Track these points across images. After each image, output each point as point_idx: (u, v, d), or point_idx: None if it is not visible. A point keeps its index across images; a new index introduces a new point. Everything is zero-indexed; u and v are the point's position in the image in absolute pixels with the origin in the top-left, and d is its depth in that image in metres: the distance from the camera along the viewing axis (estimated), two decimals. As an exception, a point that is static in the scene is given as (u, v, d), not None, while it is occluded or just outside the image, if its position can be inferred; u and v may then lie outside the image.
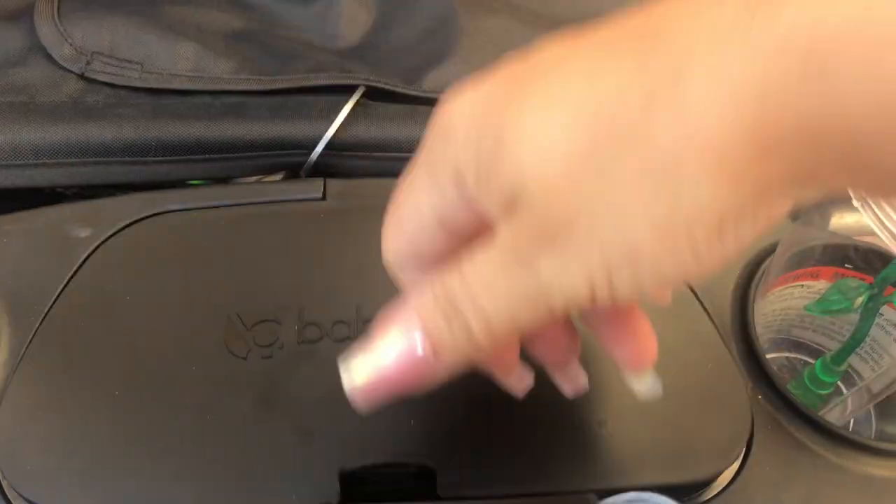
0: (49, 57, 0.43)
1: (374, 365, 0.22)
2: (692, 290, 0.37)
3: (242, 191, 0.39)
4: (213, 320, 0.34)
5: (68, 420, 0.31)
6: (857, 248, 0.36)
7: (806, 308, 0.36)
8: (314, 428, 0.31)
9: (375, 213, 0.37)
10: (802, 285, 0.39)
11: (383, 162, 0.42)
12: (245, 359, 0.33)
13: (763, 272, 0.37)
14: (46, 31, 0.43)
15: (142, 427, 0.31)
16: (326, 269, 0.36)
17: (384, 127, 0.42)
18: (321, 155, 0.41)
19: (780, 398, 0.34)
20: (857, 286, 0.34)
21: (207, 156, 0.41)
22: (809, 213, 0.37)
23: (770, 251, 0.37)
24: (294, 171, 0.42)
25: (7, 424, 0.31)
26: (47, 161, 0.40)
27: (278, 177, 0.44)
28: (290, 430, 0.31)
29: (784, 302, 0.40)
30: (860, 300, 0.33)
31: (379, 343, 0.22)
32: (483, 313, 0.20)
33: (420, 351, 0.21)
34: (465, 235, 0.21)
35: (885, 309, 0.36)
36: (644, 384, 0.25)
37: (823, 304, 0.34)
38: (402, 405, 0.27)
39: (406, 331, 0.22)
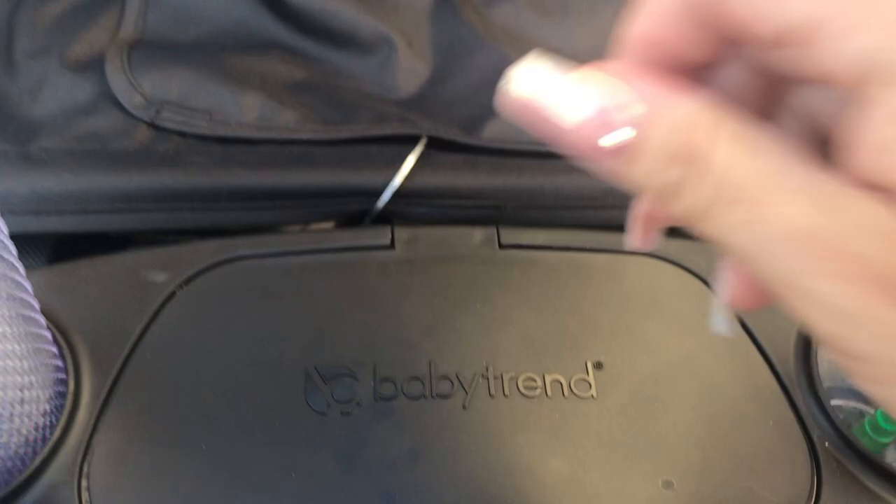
0: (120, 106, 0.44)
1: (547, 97, 0.17)
2: (753, 339, 0.38)
3: (312, 238, 0.40)
4: (292, 373, 0.34)
5: (157, 470, 0.32)
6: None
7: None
8: (396, 489, 0.31)
9: (443, 264, 0.38)
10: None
11: (445, 210, 0.43)
12: (325, 415, 0.33)
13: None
14: (117, 81, 0.45)
15: (228, 481, 0.31)
16: (398, 321, 0.37)
17: (446, 176, 0.43)
18: (386, 204, 0.42)
19: (846, 445, 0.34)
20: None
21: (276, 202, 0.42)
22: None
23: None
24: (357, 217, 0.43)
25: (100, 470, 0.31)
26: (119, 206, 0.41)
27: (329, 224, 0.45)
28: (372, 491, 0.31)
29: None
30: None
31: (576, 84, 0.17)
32: (743, 207, 0.15)
33: (607, 140, 0.17)
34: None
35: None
36: (727, 326, 0.22)
37: None
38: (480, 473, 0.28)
39: (620, 108, 0.17)
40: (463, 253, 0.39)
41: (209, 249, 0.39)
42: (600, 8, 0.51)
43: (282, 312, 0.37)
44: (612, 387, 0.35)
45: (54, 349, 0.33)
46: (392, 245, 0.39)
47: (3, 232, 0.28)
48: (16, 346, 0.29)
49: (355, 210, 0.43)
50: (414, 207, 0.43)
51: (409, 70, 0.48)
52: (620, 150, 0.17)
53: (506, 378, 0.35)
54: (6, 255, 0.28)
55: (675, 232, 0.42)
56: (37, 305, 0.31)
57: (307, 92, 0.46)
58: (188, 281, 0.38)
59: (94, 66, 0.46)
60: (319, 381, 0.34)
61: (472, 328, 0.36)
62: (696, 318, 0.38)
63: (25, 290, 0.30)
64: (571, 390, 0.35)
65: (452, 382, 0.34)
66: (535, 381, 0.35)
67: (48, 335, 0.32)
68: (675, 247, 0.40)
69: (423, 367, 0.35)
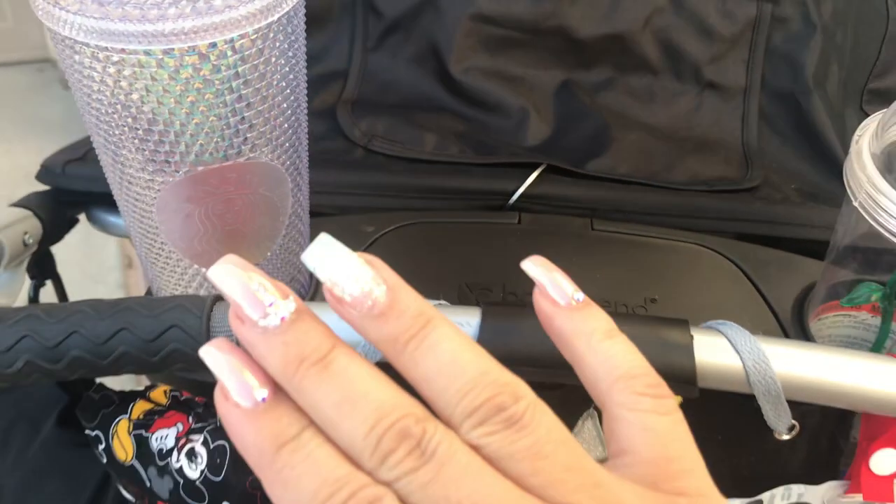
0: (345, 136, 0.67)
1: (332, 268, 0.24)
2: (763, 297, 0.55)
3: (466, 215, 0.61)
4: (451, 286, 0.54)
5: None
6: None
7: (841, 302, 0.53)
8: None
9: (553, 235, 0.58)
10: (848, 315, 0.56)
11: (557, 209, 0.63)
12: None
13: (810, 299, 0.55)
14: (344, 121, 0.68)
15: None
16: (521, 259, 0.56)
17: (558, 187, 0.63)
18: (516, 201, 0.62)
19: None
20: (876, 287, 0.51)
21: (443, 196, 0.63)
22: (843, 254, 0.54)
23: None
24: (498, 209, 0.64)
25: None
26: (343, 191, 0.63)
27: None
28: None
29: (837, 329, 0.57)
30: (875, 297, 0.50)
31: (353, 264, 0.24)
32: None
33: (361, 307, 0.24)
34: None
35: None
36: None
37: (850, 300, 0.51)
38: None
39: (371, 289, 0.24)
40: (567, 230, 0.59)
41: (401, 216, 0.60)
42: (678, 99, 0.71)
43: (447, 255, 0.57)
44: (659, 313, 0.53)
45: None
46: (519, 222, 0.59)
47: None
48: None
49: (497, 204, 0.63)
50: (535, 205, 0.63)
51: (537, 129, 0.69)
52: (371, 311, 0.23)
53: None
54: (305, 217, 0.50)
55: (719, 232, 0.61)
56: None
57: (466, 137, 0.68)
58: (386, 233, 0.58)
59: (327, 113, 0.70)
60: (468, 292, 0.54)
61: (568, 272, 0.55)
62: (726, 288, 0.56)
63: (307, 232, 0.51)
64: (632, 311, 0.53)
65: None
66: (608, 303, 0.53)
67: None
68: (719, 242, 0.59)
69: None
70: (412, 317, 0.24)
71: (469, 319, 0.39)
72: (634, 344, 0.39)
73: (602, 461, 0.46)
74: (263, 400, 0.22)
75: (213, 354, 0.23)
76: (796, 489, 0.43)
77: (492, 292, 0.54)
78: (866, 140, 0.47)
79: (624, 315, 0.40)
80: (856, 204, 0.46)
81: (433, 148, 0.66)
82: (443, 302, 0.40)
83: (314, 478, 0.21)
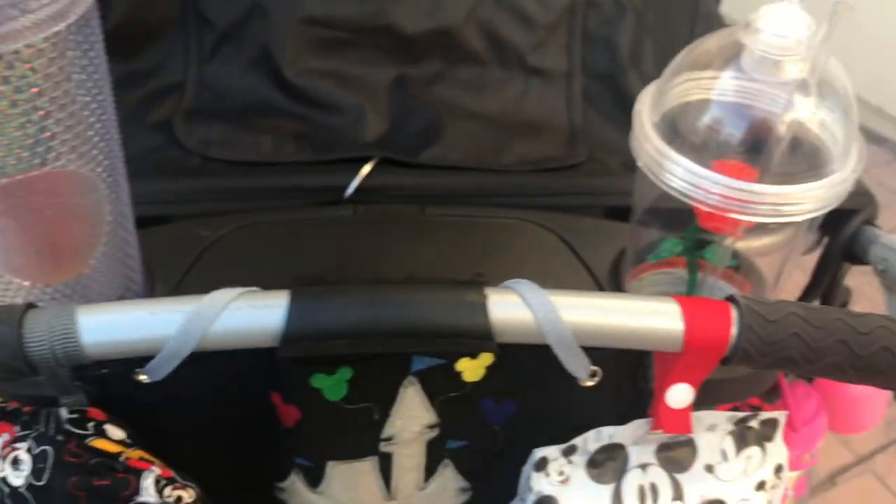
0: (181, 145, 0.68)
1: None
2: (583, 262, 0.58)
3: (302, 212, 0.63)
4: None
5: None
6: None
7: (647, 259, 0.57)
8: None
9: (387, 222, 0.60)
10: (667, 272, 0.61)
11: (393, 199, 0.65)
12: None
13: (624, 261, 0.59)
14: (180, 131, 0.69)
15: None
16: (353, 249, 0.58)
17: (392, 179, 0.65)
18: (351, 195, 0.65)
19: None
20: (677, 241, 0.55)
21: (282, 196, 0.64)
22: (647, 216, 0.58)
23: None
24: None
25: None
26: (180, 199, 0.64)
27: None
28: None
29: (657, 286, 0.61)
30: (677, 250, 0.55)
31: None
32: None
33: None
34: None
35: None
36: None
37: (656, 255, 0.56)
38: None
39: None
40: (400, 218, 0.62)
41: (237, 219, 0.61)
42: (505, 87, 0.75)
43: (282, 252, 0.58)
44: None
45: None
46: (354, 214, 0.62)
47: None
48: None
49: (333, 200, 0.65)
50: (370, 198, 0.65)
51: (373, 125, 0.72)
52: None
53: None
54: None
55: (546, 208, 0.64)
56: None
57: (304, 138, 0.70)
58: (222, 236, 0.60)
59: (164, 126, 0.71)
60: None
61: (401, 256, 0.58)
62: (548, 257, 0.59)
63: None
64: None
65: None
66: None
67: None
68: (542, 216, 0.62)
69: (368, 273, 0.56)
70: None
71: (279, 302, 0.41)
72: (433, 309, 0.42)
73: (430, 426, 0.49)
74: None
75: None
76: (607, 431, 0.46)
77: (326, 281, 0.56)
78: (646, 108, 0.51)
79: (423, 282, 0.42)
80: (640, 165, 0.50)
81: (270, 150, 0.68)
82: (254, 288, 0.42)
83: None
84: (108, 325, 0.41)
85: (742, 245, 0.56)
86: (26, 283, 0.48)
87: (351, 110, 0.72)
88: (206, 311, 0.41)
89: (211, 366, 0.45)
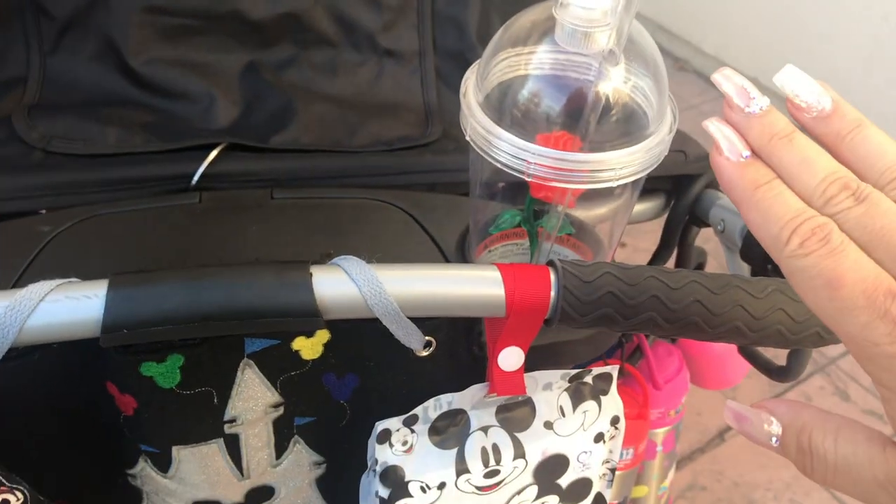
0: (22, 140, 0.66)
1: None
2: (432, 238, 0.59)
3: (147, 202, 0.62)
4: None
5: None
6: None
7: (489, 231, 0.59)
8: None
9: (233, 211, 0.60)
10: (516, 243, 0.62)
11: (241, 185, 0.65)
12: None
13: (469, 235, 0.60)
14: (20, 125, 0.67)
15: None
16: (201, 237, 0.58)
17: (240, 164, 0.65)
18: (198, 182, 0.64)
19: None
20: (516, 212, 0.57)
21: (127, 187, 0.63)
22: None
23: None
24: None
25: None
26: (20, 196, 0.62)
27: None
28: None
29: (508, 257, 0.63)
30: (517, 220, 0.56)
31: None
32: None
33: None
34: None
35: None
36: None
37: (497, 227, 0.57)
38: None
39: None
40: (247, 203, 0.61)
41: (79, 212, 0.60)
42: (359, 69, 0.75)
43: (126, 243, 0.57)
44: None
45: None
46: (200, 201, 0.61)
47: None
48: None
49: (181, 188, 0.64)
50: (218, 184, 0.65)
51: (224, 112, 0.71)
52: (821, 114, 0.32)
53: None
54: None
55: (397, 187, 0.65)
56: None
57: (152, 128, 0.69)
58: (63, 230, 0.58)
59: (4, 122, 0.68)
60: None
61: (246, 241, 0.58)
62: (397, 234, 0.60)
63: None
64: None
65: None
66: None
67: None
68: (390, 193, 0.63)
69: (214, 260, 0.56)
70: (851, 119, 0.32)
71: (97, 291, 0.41)
72: (256, 290, 0.42)
73: (274, 405, 0.49)
74: (746, 157, 0.32)
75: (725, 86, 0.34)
76: (445, 398, 0.48)
77: None
78: (471, 87, 0.52)
79: (246, 264, 0.42)
80: (469, 142, 0.51)
81: (116, 141, 0.67)
82: (73, 280, 0.42)
83: (782, 206, 0.30)
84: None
85: (580, 213, 0.58)
86: None
87: (200, 98, 0.71)
88: (22, 305, 0.40)
89: (36, 362, 0.44)
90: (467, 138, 0.51)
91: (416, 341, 0.45)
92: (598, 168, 0.48)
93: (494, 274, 0.44)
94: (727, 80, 0.34)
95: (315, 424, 0.51)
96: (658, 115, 0.51)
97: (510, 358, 0.47)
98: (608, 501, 0.56)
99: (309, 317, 0.42)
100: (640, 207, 0.76)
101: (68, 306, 0.40)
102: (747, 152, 0.33)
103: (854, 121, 0.33)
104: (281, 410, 0.50)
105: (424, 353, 0.47)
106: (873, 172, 0.32)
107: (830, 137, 0.33)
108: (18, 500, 0.42)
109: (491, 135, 0.49)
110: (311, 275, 0.42)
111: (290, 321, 0.42)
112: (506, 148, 0.48)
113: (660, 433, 0.87)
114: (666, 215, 0.75)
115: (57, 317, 0.40)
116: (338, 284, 0.43)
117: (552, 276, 0.44)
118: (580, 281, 0.44)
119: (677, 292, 0.45)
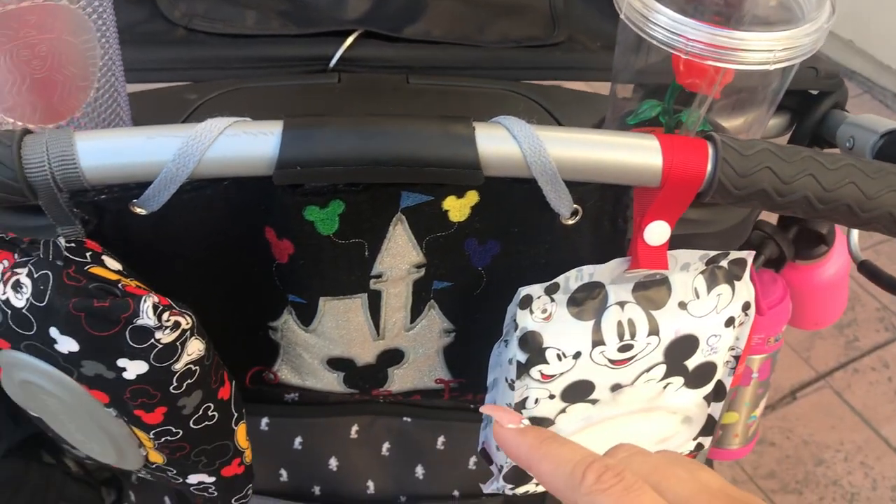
0: (165, 18, 0.68)
1: None
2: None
3: (290, 79, 0.64)
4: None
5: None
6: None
7: (628, 121, 0.59)
8: None
9: (373, 90, 0.61)
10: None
11: (377, 70, 0.66)
12: None
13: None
14: (163, 3, 0.69)
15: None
16: (341, 112, 0.59)
17: (375, 51, 0.66)
18: (336, 64, 0.65)
19: None
20: (656, 103, 0.57)
21: (267, 65, 0.65)
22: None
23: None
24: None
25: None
26: (164, 67, 0.64)
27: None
28: None
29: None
30: (656, 111, 0.56)
31: None
32: None
33: None
34: None
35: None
36: None
37: (636, 116, 0.57)
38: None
39: None
40: (384, 86, 0.63)
41: (224, 84, 0.62)
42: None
43: (270, 115, 0.59)
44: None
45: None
46: (339, 82, 0.63)
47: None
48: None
49: (318, 70, 0.66)
50: (354, 68, 0.66)
51: (355, 3, 0.72)
52: None
53: None
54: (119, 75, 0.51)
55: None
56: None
57: (287, 14, 0.70)
58: (209, 99, 0.60)
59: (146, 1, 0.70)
60: None
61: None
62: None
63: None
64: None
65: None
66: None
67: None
68: (524, 86, 0.64)
69: None
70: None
71: (273, 129, 0.42)
72: (422, 140, 0.43)
73: (417, 266, 0.51)
74: (525, 424, 0.34)
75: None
76: (587, 269, 0.49)
77: None
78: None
79: (412, 116, 0.43)
80: (623, 18, 0.51)
81: (254, 23, 0.68)
82: (247, 119, 0.43)
83: (571, 451, 0.31)
84: (106, 149, 0.42)
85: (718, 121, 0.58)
86: (18, 123, 0.48)
87: (334, -12, 0.72)
88: (202, 136, 0.42)
89: (205, 199, 0.46)
90: (622, 16, 0.51)
91: (565, 206, 0.46)
92: (757, 48, 0.48)
93: (653, 143, 0.44)
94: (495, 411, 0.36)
95: (451, 290, 0.52)
96: (816, 6, 0.51)
97: (656, 232, 0.47)
98: (726, 390, 0.57)
99: (471, 169, 0.43)
100: (742, 121, 0.76)
101: (246, 141, 0.42)
102: (526, 421, 0.35)
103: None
104: (422, 272, 0.51)
105: (570, 222, 0.48)
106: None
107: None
108: (188, 323, 0.45)
109: (648, 9, 0.49)
110: (473, 129, 0.43)
111: (451, 172, 0.43)
112: (663, 22, 0.49)
113: (756, 360, 0.87)
114: (788, 136, 0.74)
115: (235, 150, 0.42)
116: (500, 141, 0.44)
117: (710, 149, 0.44)
118: (738, 154, 0.44)
119: (833, 173, 0.45)
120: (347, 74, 0.64)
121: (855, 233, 0.72)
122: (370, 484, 0.73)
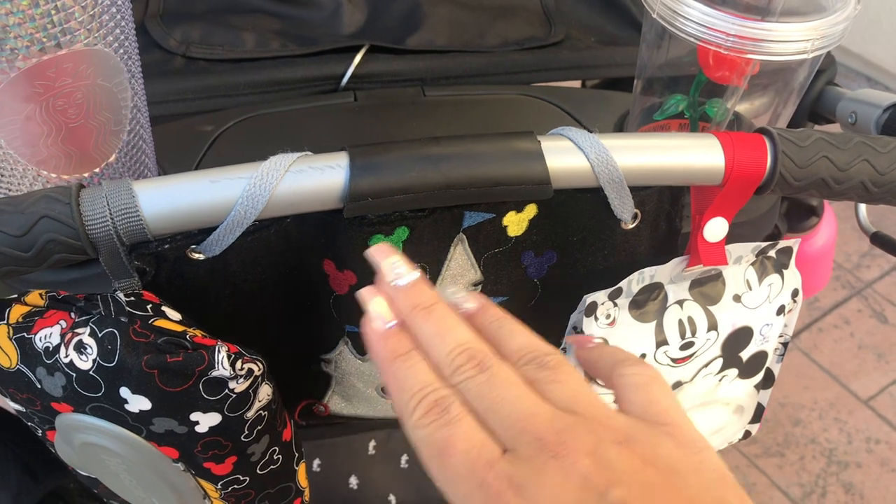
0: (160, 47, 0.66)
1: None
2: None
3: (304, 101, 0.62)
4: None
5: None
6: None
7: (654, 116, 0.59)
8: None
9: (391, 106, 0.60)
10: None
11: (386, 85, 0.65)
12: None
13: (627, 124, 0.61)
14: (156, 33, 0.66)
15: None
16: (363, 132, 0.58)
17: (385, 65, 0.65)
18: (348, 82, 0.64)
19: None
20: (681, 98, 0.57)
21: (276, 89, 0.63)
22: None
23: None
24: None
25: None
26: (171, 99, 0.62)
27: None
28: None
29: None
30: (682, 106, 0.57)
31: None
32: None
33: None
34: None
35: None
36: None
37: (663, 112, 0.58)
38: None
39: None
40: (402, 100, 0.61)
41: (238, 112, 0.60)
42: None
43: (291, 140, 0.58)
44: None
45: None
46: (355, 100, 0.61)
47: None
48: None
49: (329, 89, 0.64)
50: (366, 84, 0.65)
51: (351, 17, 0.71)
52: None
53: None
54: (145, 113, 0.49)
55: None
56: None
57: (285, 34, 0.68)
58: (227, 129, 0.58)
59: (138, 30, 0.67)
60: None
61: (407, 131, 0.58)
62: (553, 126, 0.61)
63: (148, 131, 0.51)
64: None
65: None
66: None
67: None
68: (539, 89, 0.63)
69: None
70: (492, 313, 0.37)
71: (339, 162, 0.41)
72: (491, 160, 0.42)
73: (475, 283, 0.50)
74: (390, 326, 0.34)
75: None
76: (648, 272, 0.49)
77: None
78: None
79: (475, 136, 0.43)
80: (654, 16, 0.51)
81: (254, 46, 0.66)
82: (308, 153, 0.42)
83: (412, 379, 0.32)
84: (168, 198, 0.40)
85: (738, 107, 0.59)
86: (53, 176, 0.46)
87: (327, 4, 0.71)
88: (269, 176, 0.40)
89: (265, 237, 0.44)
90: (654, 16, 0.51)
91: (627, 212, 0.46)
92: (794, 38, 0.48)
93: (713, 142, 0.44)
94: (379, 254, 0.37)
95: (506, 304, 0.52)
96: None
97: (715, 228, 0.48)
98: (774, 377, 0.58)
99: (541, 184, 0.43)
100: (758, 104, 0.77)
101: (313, 176, 0.41)
102: (393, 322, 0.35)
103: (495, 315, 0.36)
104: (479, 289, 0.50)
105: (630, 226, 0.48)
106: (510, 353, 0.34)
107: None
108: (260, 370, 0.43)
109: (680, 3, 0.49)
110: (539, 143, 0.43)
111: (521, 189, 0.43)
112: (696, 17, 0.49)
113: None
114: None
115: (303, 187, 0.41)
116: (566, 153, 0.43)
117: (768, 143, 0.45)
118: (796, 146, 0.44)
119: (886, 156, 0.46)
120: (362, 91, 0.63)
121: (863, 206, 0.74)
122: (392, 499, 0.73)
